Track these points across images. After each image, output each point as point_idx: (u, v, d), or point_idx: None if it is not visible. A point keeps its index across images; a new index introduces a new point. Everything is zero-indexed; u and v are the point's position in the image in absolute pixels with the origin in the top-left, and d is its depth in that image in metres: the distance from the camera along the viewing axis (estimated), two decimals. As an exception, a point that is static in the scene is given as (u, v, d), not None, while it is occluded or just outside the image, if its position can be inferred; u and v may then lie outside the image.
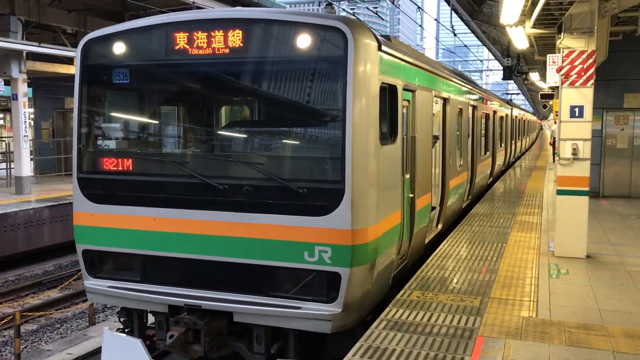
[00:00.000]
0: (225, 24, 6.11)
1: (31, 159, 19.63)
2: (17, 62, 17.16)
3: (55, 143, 23.53)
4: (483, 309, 6.38)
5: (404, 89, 7.28)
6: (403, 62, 7.27)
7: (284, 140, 6.52)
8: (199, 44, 6.18)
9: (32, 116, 25.66)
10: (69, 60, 18.55)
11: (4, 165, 21.94)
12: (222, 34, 6.09)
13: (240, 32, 6.04)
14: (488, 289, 7.12)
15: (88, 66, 6.83)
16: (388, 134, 6.76)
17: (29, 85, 19.89)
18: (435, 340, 5.44)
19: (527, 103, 78.51)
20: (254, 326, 6.15)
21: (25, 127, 17.60)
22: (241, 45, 6.05)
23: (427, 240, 9.09)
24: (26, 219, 15.13)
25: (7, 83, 18.23)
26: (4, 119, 45.00)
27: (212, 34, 6.13)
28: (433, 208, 9.43)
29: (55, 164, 23.09)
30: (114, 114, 7.39)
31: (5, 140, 23.48)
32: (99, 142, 7.13)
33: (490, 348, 5.31)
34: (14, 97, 17.46)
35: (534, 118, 58.61)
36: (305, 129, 6.38)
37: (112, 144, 7.22)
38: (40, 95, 24.78)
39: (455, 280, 7.45)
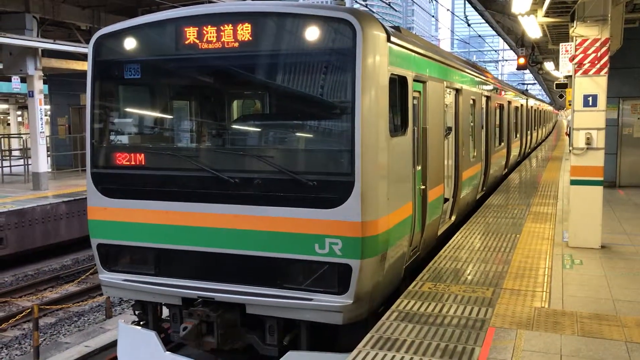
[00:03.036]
0: (234, 18, 6.14)
1: (48, 155, 19.87)
2: (33, 60, 17.35)
3: (71, 139, 23.78)
4: (495, 299, 6.36)
5: (415, 80, 7.26)
6: (413, 53, 7.24)
7: (293, 133, 6.55)
8: (209, 38, 6.21)
9: (48, 113, 25.95)
10: (83, 57, 18.70)
11: (21, 161, 22.21)
12: (232, 27, 6.12)
13: (249, 25, 6.06)
14: (500, 279, 7.10)
15: (100, 62, 6.89)
16: (398, 125, 6.75)
17: (44, 82, 20.14)
18: (446, 331, 5.45)
19: (544, 93, 77.71)
20: (267, 318, 6.20)
21: (42, 124, 17.82)
22: (250, 38, 6.07)
23: (440, 232, 9.07)
24: (43, 215, 15.34)
25: (23, 80, 18.47)
26: (22, 116, 45.59)
27: (222, 28, 6.16)
28: (446, 200, 9.41)
29: (72, 160, 23.35)
30: (126, 109, 7.47)
31: (22, 137, 23.77)
32: (112, 137, 7.21)
33: (501, 338, 5.31)
34: (30, 94, 17.68)
35: (550, 108, 58.02)
36: (315, 122, 6.40)
37: (124, 139, 7.30)
38: (56, 92, 25.04)
39: (467, 272, 7.44)
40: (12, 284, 13.86)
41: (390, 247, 6.25)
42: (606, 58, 8.45)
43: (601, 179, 8.70)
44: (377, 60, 5.88)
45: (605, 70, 8.45)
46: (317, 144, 6.40)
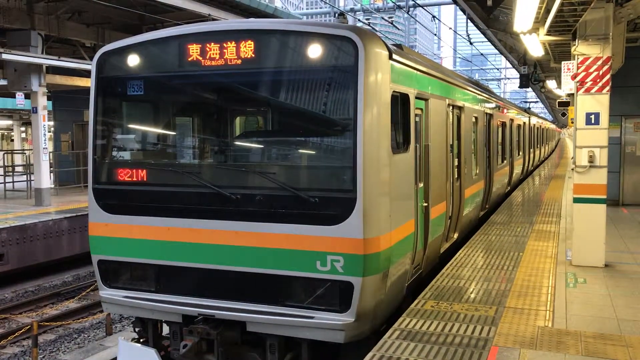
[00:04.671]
0: (237, 35, 6.17)
1: (50, 171, 19.89)
2: (37, 76, 17.46)
3: (74, 155, 23.84)
4: (498, 318, 6.30)
5: (417, 98, 7.27)
6: (415, 71, 7.26)
7: (295, 150, 6.54)
8: (212, 55, 6.24)
9: (52, 129, 26.03)
10: (87, 74, 18.81)
11: (24, 177, 22.24)
12: (234, 45, 6.15)
13: (252, 42, 6.09)
14: (503, 298, 7.04)
15: (103, 78, 6.92)
16: (400, 142, 6.75)
17: (48, 99, 20.24)
18: (449, 350, 5.39)
19: (546, 111, 77.84)
20: (268, 336, 6.14)
21: (45, 140, 17.86)
22: (253, 55, 6.09)
23: (442, 250, 9.02)
24: (45, 230, 15.32)
25: (27, 96, 18.55)
26: (25, 132, 45.79)
27: (224, 45, 6.19)
28: (449, 217, 9.37)
29: (74, 176, 23.37)
30: (128, 126, 7.48)
31: (25, 153, 23.86)
32: (114, 153, 7.21)
33: (504, 358, 5.25)
34: (34, 110, 17.75)
35: (553, 126, 58.06)
36: (317, 139, 6.40)
37: (126, 155, 7.30)
38: (59, 108, 25.15)
39: (470, 290, 7.38)
40: (12, 300, 13.80)
41: (392, 265, 6.21)
42: (608, 76, 8.47)
43: (604, 197, 8.66)
44: (379, 77, 5.89)
45: (607, 88, 8.46)
46: (319, 160, 6.39)
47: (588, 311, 6.66)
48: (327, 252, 5.75)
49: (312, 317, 5.83)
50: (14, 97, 19.35)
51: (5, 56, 15.63)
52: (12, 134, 47.47)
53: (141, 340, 7.14)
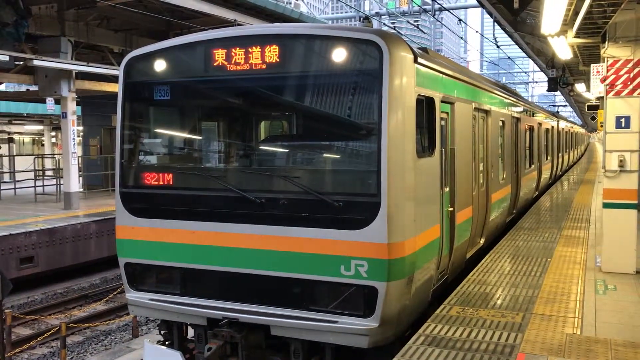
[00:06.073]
0: (262, 40, 6.19)
1: (79, 175, 20.20)
2: (67, 82, 17.79)
3: (102, 159, 24.20)
4: (525, 325, 6.20)
5: (442, 101, 7.21)
6: (441, 74, 7.20)
7: (320, 154, 6.54)
8: (237, 60, 6.28)
9: (80, 134, 26.46)
10: (115, 79, 19.12)
11: (54, 181, 22.64)
12: (259, 49, 6.17)
13: (277, 47, 6.11)
14: (530, 304, 6.92)
15: (130, 83, 7.01)
16: (426, 146, 6.70)
17: (77, 104, 20.59)
18: (474, 357, 5.31)
19: (575, 115, 76.68)
20: (291, 340, 6.14)
21: (74, 144, 18.17)
22: (277, 60, 6.11)
23: (468, 255, 8.92)
24: (74, 234, 15.56)
25: (57, 102, 18.88)
26: (55, 136, 46.60)
27: (250, 50, 6.22)
28: (476, 222, 9.25)
29: (102, 180, 23.71)
30: (155, 130, 7.56)
31: (55, 157, 24.31)
32: (141, 157, 7.29)
33: (531, 365, 5.16)
34: (64, 115, 18.09)
35: (582, 130, 57.15)
36: (341, 143, 6.39)
37: (153, 159, 7.38)
38: (88, 113, 25.56)
39: (497, 296, 7.28)
40: (42, 301, 14.04)
41: (417, 270, 6.16)
42: (639, 79, 8.29)
43: (635, 202, 8.49)
44: (404, 81, 5.86)
45: (639, 91, 8.29)
46: (344, 164, 6.38)
47: (618, 319, 6.52)
48: (352, 257, 5.73)
49: (336, 322, 5.82)
50: (45, 102, 19.74)
51: (36, 62, 15.97)
52: (42, 138, 48.33)
53: (166, 342, 7.20)
